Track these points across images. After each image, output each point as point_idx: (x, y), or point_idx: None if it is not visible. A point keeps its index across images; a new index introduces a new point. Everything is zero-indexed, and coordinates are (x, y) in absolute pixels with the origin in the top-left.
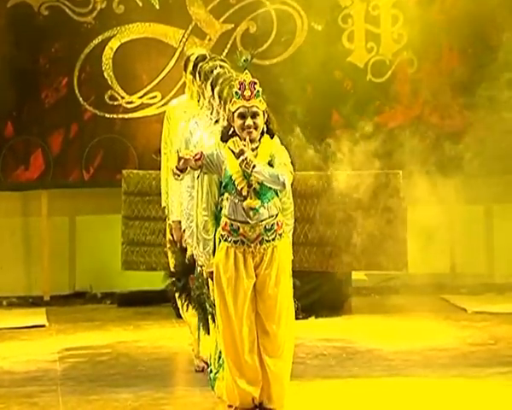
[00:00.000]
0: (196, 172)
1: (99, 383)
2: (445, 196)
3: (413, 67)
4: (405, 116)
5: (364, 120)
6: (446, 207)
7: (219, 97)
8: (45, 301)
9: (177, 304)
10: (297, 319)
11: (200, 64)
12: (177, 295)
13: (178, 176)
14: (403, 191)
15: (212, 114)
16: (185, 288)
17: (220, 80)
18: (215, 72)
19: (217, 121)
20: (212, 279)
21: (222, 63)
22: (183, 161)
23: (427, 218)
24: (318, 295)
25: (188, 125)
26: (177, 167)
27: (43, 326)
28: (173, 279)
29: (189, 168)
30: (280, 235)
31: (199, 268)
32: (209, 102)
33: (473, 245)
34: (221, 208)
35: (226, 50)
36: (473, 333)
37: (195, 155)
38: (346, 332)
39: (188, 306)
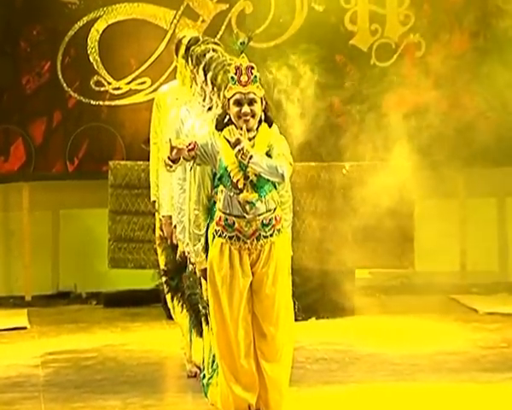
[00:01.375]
0: (188, 164)
1: (84, 390)
2: (455, 188)
3: (421, 50)
4: (412, 103)
5: (368, 108)
6: (456, 199)
7: (212, 83)
8: (27, 302)
9: (167, 304)
10: (296, 320)
11: (192, 47)
12: (168, 295)
13: (171, 167)
14: (409, 183)
15: (204, 100)
16: (178, 287)
17: (213, 65)
18: (208, 55)
19: (209, 109)
20: (205, 278)
21: (215, 46)
22: (175, 150)
23: (435, 211)
24: (319, 294)
25: (179, 112)
26: (169, 158)
27: (24, 328)
28: (166, 278)
29: (181, 159)
30: (278, 230)
31: (191, 266)
32: (201, 88)
33: (485, 241)
34: (214, 202)
35: (221, 32)
36: (484, 336)
37: (189, 144)
38: (349, 334)
39: (182, 307)
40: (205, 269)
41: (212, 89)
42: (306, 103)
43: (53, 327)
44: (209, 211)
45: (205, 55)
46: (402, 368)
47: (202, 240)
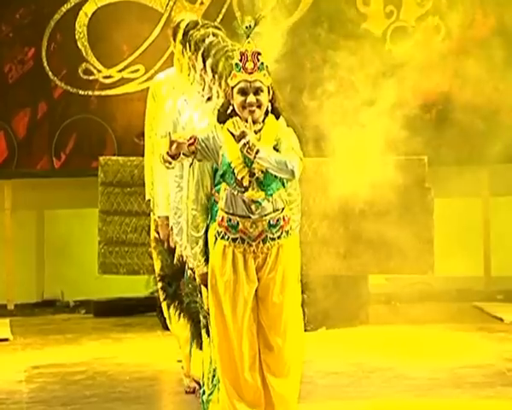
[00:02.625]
0: (187, 160)
1: (72, 407)
2: (477, 186)
3: (440, 34)
4: (431, 93)
5: (382, 98)
6: (479, 199)
7: (213, 71)
8: (9, 311)
9: (163, 314)
10: (305, 330)
11: (190, 32)
12: (165, 303)
13: (170, 163)
14: (428, 181)
15: (203, 90)
16: (176, 295)
17: (213, 51)
18: (207, 41)
19: (209, 99)
20: (206, 284)
21: (216, 31)
22: (175, 145)
23: (456, 212)
24: (330, 302)
25: (175, 103)
26: (168, 153)
27: (6, 340)
28: (162, 285)
29: (181, 154)
30: (286, 232)
31: (189, 271)
32: (200, 76)
33: (511, 243)
34: (215, 201)
35: (221, 16)
36: (511, 347)
37: (189, 138)
38: (363, 346)
39: (179, 316)
40: (205, 274)
41: (213, 77)
42: None
43: (38, 338)
44: (208, 211)
45: (204, 41)
46: (420, 383)
47: (201, 242)
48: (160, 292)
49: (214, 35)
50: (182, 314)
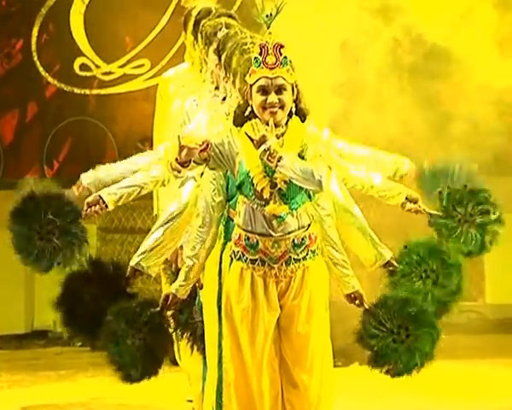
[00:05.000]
0: (198, 168)
1: None
2: None
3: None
4: (482, 91)
5: (417, 94)
6: None
7: (225, 67)
8: None
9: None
10: (335, 366)
11: (202, 22)
12: (174, 334)
13: (179, 172)
14: None
15: (217, 89)
16: (188, 324)
17: (229, 44)
18: (220, 34)
19: (224, 99)
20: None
21: (229, 20)
22: (186, 151)
23: (509, 229)
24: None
25: (183, 104)
26: (177, 160)
27: None
28: (172, 312)
29: (192, 162)
30: (313, 252)
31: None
32: (212, 72)
33: None
34: (229, 217)
35: (238, 3)
36: None
37: (202, 143)
38: (401, 385)
39: (192, 348)
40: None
41: (226, 74)
42: None
43: (26, 375)
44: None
45: (216, 34)
46: None
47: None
48: (170, 321)
49: (228, 26)
50: (194, 346)
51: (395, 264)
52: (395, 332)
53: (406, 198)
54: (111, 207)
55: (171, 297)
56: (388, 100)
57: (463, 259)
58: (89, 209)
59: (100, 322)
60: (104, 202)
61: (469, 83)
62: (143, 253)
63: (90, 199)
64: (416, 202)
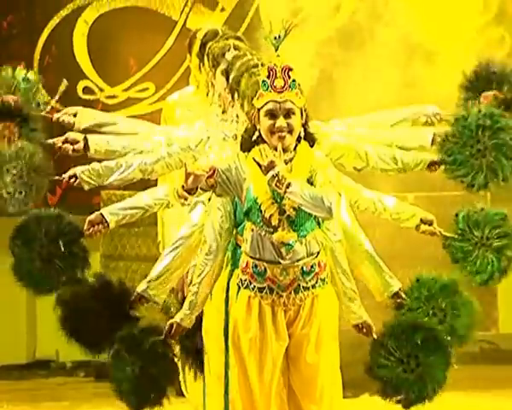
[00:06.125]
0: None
1: None
2: None
3: (504, 48)
4: None
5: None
6: None
7: (233, 89)
8: None
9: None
10: (344, 397)
11: (208, 44)
12: (181, 363)
13: (186, 199)
14: None
15: (224, 113)
16: (198, 352)
17: (237, 64)
18: (228, 55)
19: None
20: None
21: (237, 42)
22: (192, 177)
23: None
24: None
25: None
26: (183, 187)
27: None
28: (180, 339)
29: (199, 189)
30: (322, 280)
31: None
32: (219, 96)
33: None
34: (237, 244)
35: (245, 25)
36: None
37: (208, 170)
38: None
39: (196, 374)
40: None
41: (232, 98)
42: None
43: (28, 406)
44: (232, 256)
45: (223, 55)
46: None
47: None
48: (176, 349)
49: (236, 48)
50: (198, 373)
51: (403, 296)
52: (404, 362)
53: (421, 220)
54: (112, 226)
55: (175, 326)
56: None
57: (477, 302)
58: (91, 228)
59: (102, 338)
60: (106, 221)
61: None
62: (150, 281)
63: (92, 217)
64: (431, 224)
